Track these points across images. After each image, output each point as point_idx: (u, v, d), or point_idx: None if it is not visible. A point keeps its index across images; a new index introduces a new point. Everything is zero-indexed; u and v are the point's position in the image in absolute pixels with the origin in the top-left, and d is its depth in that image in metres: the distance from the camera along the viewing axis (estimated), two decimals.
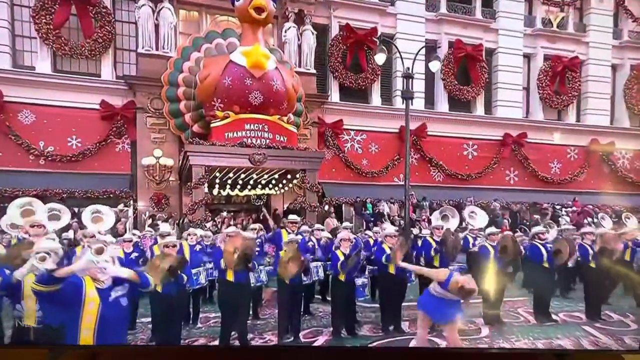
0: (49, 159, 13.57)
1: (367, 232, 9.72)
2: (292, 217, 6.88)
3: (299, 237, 5.73)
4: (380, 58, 13.03)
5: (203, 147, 11.45)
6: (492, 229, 7.03)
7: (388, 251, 5.65)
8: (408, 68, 13.46)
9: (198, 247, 6.70)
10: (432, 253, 6.59)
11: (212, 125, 12.03)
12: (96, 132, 14.14)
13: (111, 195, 13.59)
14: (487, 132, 18.92)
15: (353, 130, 17.13)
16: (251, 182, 12.38)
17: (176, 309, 4.67)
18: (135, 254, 6.66)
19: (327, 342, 5.10)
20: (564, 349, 5.35)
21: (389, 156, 17.42)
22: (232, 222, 12.98)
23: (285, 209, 14.70)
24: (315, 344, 5.09)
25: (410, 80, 13.45)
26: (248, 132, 12.15)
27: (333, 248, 5.81)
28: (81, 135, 14.05)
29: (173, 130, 13.98)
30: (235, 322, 4.92)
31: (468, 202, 16.76)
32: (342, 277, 5.31)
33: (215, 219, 12.87)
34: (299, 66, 15.70)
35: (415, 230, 13.77)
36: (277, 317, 5.33)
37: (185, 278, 4.68)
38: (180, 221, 12.88)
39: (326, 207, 14.41)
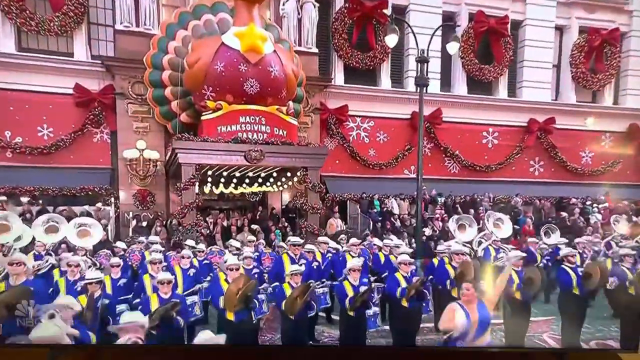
0: (17, 151, 13.81)
1: (376, 241, 10.06)
2: (294, 239, 7.23)
3: (303, 267, 6.04)
4: (391, 40, 13.29)
5: (193, 143, 11.77)
6: (517, 253, 7.24)
7: (403, 283, 6.02)
8: (423, 50, 13.74)
9: (192, 272, 7.07)
10: (448, 284, 6.87)
11: (202, 118, 12.30)
12: (70, 121, 14.36)
13: (89, 193, 13.95)
14: (510, 118, 19.15)
15: (359, 116, 17.38)
16: (247, 180, 12.70)
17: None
18: (123, 280, 6.81)
19: None
20: (562, 348, 5.62)
21: (399, 146, 17.74)
22: (224, 223, 13.46)
23: (283, 207, 15.14)
24: None
25: (426, 64, 13.75)
26: (243, 125, 12.44)
27: (340, 279, 6.19)
28: (53, 124, 14.28)
29: (158, 119, 14.22)
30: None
31: (485, 198, 17.28)
32: (350, 313, 5.73)
33: (207, 218, 13.25)
34: (299, 44, 15.83)
35: (427, 231, 14.31)
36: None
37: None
38: (168, 223, 13.32)
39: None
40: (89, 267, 7.89)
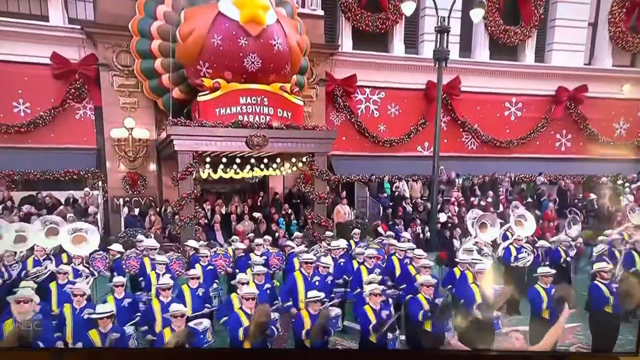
0: None
1: (393, 242, 10.52)
2: (306, 257, 7.67)
3: (322, 294, 6.48)
4: (408, 7, 13.36)
5: (190, 129, 12.03)
6: (545, 270, 7.58)
7: (425, 305, 6.55)
8: (443, 18, 13.86)
9: (201, 291, 7.55)
10: (475, 309, 7.24)
11: (199, 99, 12.53)
12: (49, 95, 14.56)
13: (74, 177, 14.34)
14: (536, 86, 19.30)
15: (368, 87, 17.57)
16: (249, 164, 13.03)
17: None
18: (128, 300, 7.13)
19: None
20: (561, 352, 6.13)
21: (412, 120, 18.02)
22: (223, 210, 13.93)
23: (286, 191, 15.57)
24: None
25: (446, 34, 13.89)
26: (244, 107, 12.68)
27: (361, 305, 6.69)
28: (30, 98, 14.48)
29: (147, 94, 14.43)
30: None
31: (506, 179, 17.74)
32: (372, 339, 6.28)
33: (204, 205, 13.67)
34: (302, 5, 15.83)
35: (442, 217, 14.81)
36: None
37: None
38: (162, 211, 13.80)
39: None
40: (87, 276, 8.49)
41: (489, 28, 18.54)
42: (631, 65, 20.94)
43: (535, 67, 19.37)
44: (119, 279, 7.12)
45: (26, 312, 5.50)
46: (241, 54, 12.58)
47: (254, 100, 12.83)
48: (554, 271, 7.62)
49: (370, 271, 8.03)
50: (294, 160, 13.46)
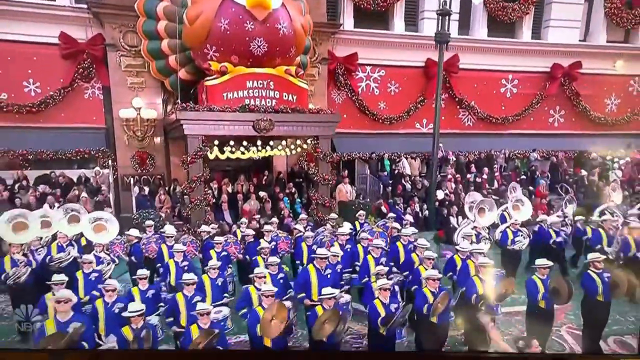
0: (4, 109, 14.04)
1: (396, 226, 10.78)
2: (321, 251, 7.90)
3: (336, 291, 6.74)
4: None
5: (199, 113, 12.07)
6: (543, 262, 7.64)
7: (430, 299, 6.86)
8: (445, 1, 13.74)
9: (220, 281, 7.81)
10: (473, 300, 7.53)
11: (207, 83, 12.51)
12: (58, 75, 14.51)
13: (86, 156, 14.45)
14: (532, 63, 19.40)
15: (369, 65, 17.58)
16: (256, 145, 13.12)
17: None
18: (151, 292, 7.20)
19: None
20: (563, 353, 6.35)
21: (411, 97, 18.12)
22: (229, 189, 14.12)
23: (289, 170, 15.76)
24: None
25: (447, 17, 13.83)
26: (250, 91, 12.69)
27: (370, 296, 6.99)
28: (39, 78, 14.45)
29: (154, 74, 14.40)
30: None
31: (501, 155, 17.97)
32: (382, 331, 6.60)
33: (211, 184, 13.83)
34: None
35: (439, 194, 15.05)
36: None
37: None
38: (172, 190, 13.98)
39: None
40: (108, 263, 8.75)
41: (488, 5, 18.39)
42: (625, 41, 20.93)
43: (532, 45, 19.36)
44: (142, 272, 7.34)
45: (66, 311, 5.76)
46: (248, 38, 12.50)
47: (261, 84, 12.83)
48: (550, 263, 7.84)
49: (377, 260, 8.31)
50: (298, 142, 13.57)
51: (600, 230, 11.11)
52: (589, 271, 7.90)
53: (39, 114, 14.33)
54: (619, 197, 13.90)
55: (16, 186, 13.09)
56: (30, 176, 13.65)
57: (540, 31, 19.75)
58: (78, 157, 14.41)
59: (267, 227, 10.12)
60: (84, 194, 12.71)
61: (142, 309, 5.94)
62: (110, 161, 14.50)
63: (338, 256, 8.30)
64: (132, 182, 14.04)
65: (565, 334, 8.70)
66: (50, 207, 11.69)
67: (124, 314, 5.96)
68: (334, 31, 16.41)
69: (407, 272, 8.53)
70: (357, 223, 11.51)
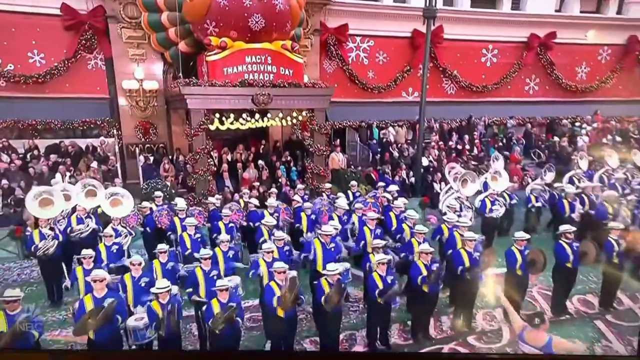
0: (11, 80, 13.77)
1: (386, 195, 11.14)
2: (325, 228, 8.17)
3: (341, 268, 7.09)
4: None
5: (201, 88, 12.05)
6: (522, 234, 7.99)
7: (424, 271, 7.26)
8: None
9: (231, 254, 8.05)
10: (459, 271, 7.96)
11: (208, 58, 12.41)
12: (61, 46, 14.19)
13: (92, 126, 14.36)
14: (511, 33, 19.39)
15: (359, 36, 17.44)
16: (253, 118, 13.18)
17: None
18: (145, 280, 6.90)
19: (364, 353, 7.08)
20: (563, 355, 6.71)
21: (397, 67, 18.11)
22: (229, 157, 14.24)
23: (286, 140, 15.86)
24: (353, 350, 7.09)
25: None
26: (249, 65, 12.64)
27: (367, 268, 7.37)
28: (43, 49, 14.13)
29: (155, 46, 14.15)
30: (282, 347, 6.77)
31: (481, 122, 18.25)
32: (380, 300, 7.02)
33: (211, 153, 13.90)
34: None
35: (424, 161, 15.35)
36: (320, 342, 7.16)
37: None
38: (175, 158, 14.07)
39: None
40: (126, 236, 8.99)
41: None
42: (596, 11, 20.96)
43: (512, 15, 19.32)
44: (162, 246, 7.58)
45: (102, 289, 6.02)
46: (246, 14, 12.33)
47: (259, 59, 12.78)
48: (528, 236, 8.26)
49: (372, 232, 8.67)
50: (294, 113, 13.65)
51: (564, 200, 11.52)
52: (560, 241, 8.37)
53: (45, 84, 14.08)
54: (585, 164, 14.42)
55: (28, 155, 13.06)
56: (40, 145, 13.62)
57: (519, 2, 19.63)
58: (84, 127, 14.31)
59: (269, 201, 10.35)
60: (93, 164, 12.76)
61: (169, 286, 6.22)
62: (115, 130, 14.43)
63: (338, 229, 8.62)
64: (137, 151, 14.04)
65: (537, 294, 9.27)
66: (62, 176, 11.80)
67: (152, 290, 6.24)
68: (326, 3, 16.13)
69: (398, 237, 8.94)
70: (349, 192, 11.85)
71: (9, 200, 11.17)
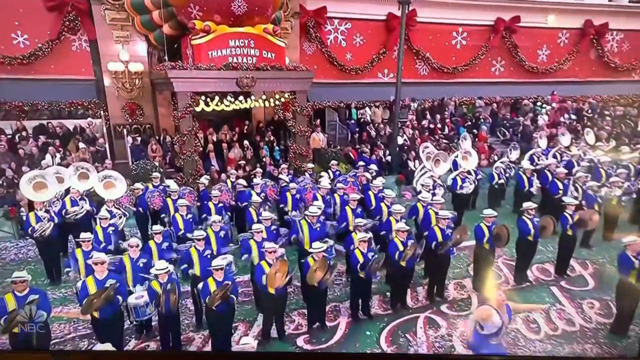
0: None
1: (367, 175, 11.28)
2: (312, 209, 8.24)
3: (325, 245, 7.24)
4: None
5: (188, 72, 11.85)
6: (490, 212, 8.33)
7: (400, 247, 7.50)
8: None
9: (222, 234, 8.06)
10: (433, 246, 8.11)
11: (193, 42, 12.15)
12: (45, 27, 13.62)
13: (79, 107, 14.00)
14: (479, 17, 19.45)
15: (337, 19, 17.26)
16: (237, 100, 13.05)
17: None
18: (143, 260, 6.90)
19: (347, 325, 7.33)
20: (562, 356, 6.56)
21: (374, 49, 18.04)
22: (214, 138, 14.14)
23: (269, 120, 15.77)
24: (337, 325, 7.32)
25: None
26: (233, 49, 12.45)
27: (351, 248, 7.53)
28: (27, 30, 13.55)
29: (139, 28, 13.72)
30: (273, 320, 6.96)
31: (451, 102, 18.47)
32: (361, 275, 7.24)
33: (198, 134, 13.75)
34: None
35: (399, 140, 15.51)
36: (308, 314, 7.37)
37: None
38: (162, 139, 13.89)
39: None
40: (120, 217, 8.95)
41: None
42: None
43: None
44: (157, 228, 7.59)
45: (103, 271, 6.04)
46: None
47: (242, 42, 12.58)
48: (495, 213, 8.56)
49: (354, 211, 8.85)
50: (277, 96, 13.57)
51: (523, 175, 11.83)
52: (523, 217, 8.74)
53: (30, 65, 13.54)
54: (544, 143, 14.88)
55: (17, 137, 12.71)
56: (28, 127, 13.24)
57: None
58: (71, 108, 13.95)
59: (256, 180, 10.39)
60: (82, 144, 12.53)
61: (168, 268, 6.30)
62: (102, 111, 14.10)
63: (321, 208, 8.75)
64: (124, 131, 13.77)
65: (502, 264, 9.67)
66: (52, 157, 11.58)
67: (152, 270, 6.31)
68: None
69: (378, 217, 9.14)
70: (329, 172, 11.96)
71: (1, 182, 10.90)
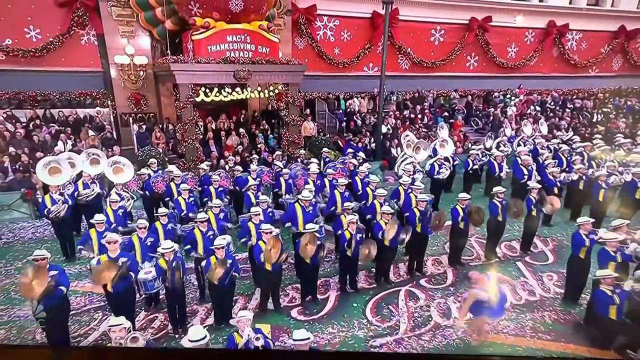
0: (10, 54, 12.85)
1: (354, 161, 11.23)
2: (305, 194, 8.24)
3: (317, 226, 7.24)
4: None
5: (189, 65, 11.63)
6: (464, 195, 8.42)
7: (384, 227, 7.56)
8: None
9: (222, 215, 7.92)
10: (419, 228, 8.29)
11: (193, 38, 11.91)
12: (55, 22, 13.26)
13: (87, 97, 13.70)
14: (455, 16, 19.33)
15: (326, 16, 17.00)
16: (234, 91, 12.87)
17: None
18: (150, 240, 6.87)
19: (336, 298, 7.41)
20: (560, 357, 6.23)
21: (360, 44, 17.84)
22: (213, 126, 13.96)
23: (263, 110, 15.58)
24: (327, 297, 7.40)
25: None
26: (230, 44, 12.22)
27: (340, 231, 7.54)
28: (39, 24, 13.17)
29: (143, 24, 13.41)
30: (270, 293, 7.00)
31: (430, 95, 18.41)
32: (348, 253, 7.30)
33: (198, 123, 13.57)
34: None
35: (383, 128, 15.46)
36: (301, 288, 7.41)
37: None
38: (165, 127, 13.69)
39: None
40: (128, 200, 8.85)
41: None
42: None
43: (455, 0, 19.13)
44: (163, 210, 7.54)
45: (115, 250, 5.99)
46: None
47: (239, 38, 12.35)
48: (469, 196, 8.62)
49: (342, 195, 8.84)
50: (271, 87, 13.41)
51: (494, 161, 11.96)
52: (494, 200, 8.80)
53: (42, 58, 13.22)
54: (509, 132, 14.99)
55: (31, 124, 12.43)
56: (40, 115, 12.95)
57: None
58: (81, 98, 13.65)
59: (252, 167, 10.30)
60: (91, 132, 12.30)
61: (174, 247, 6.26)
62: (109, 101, 13.83)
63: (312, 191, 8.74)
64: (130, 120, 13.54)
65: (474, 242, 9.77)
66: (64, 144, 11.38)
67: (159, 249, 6.28)
68: None
69: (364, 201, 9.15)
70: (320, 158, 11.90)
71: (17, 166, 10.68)
